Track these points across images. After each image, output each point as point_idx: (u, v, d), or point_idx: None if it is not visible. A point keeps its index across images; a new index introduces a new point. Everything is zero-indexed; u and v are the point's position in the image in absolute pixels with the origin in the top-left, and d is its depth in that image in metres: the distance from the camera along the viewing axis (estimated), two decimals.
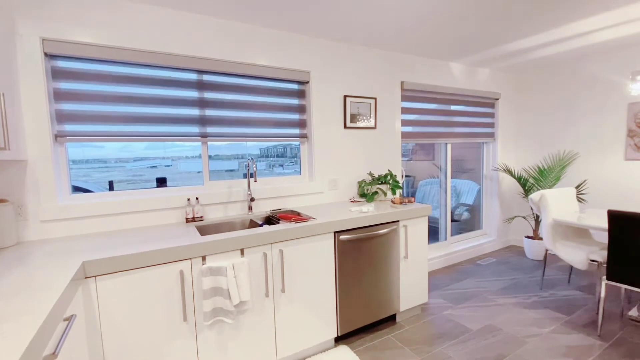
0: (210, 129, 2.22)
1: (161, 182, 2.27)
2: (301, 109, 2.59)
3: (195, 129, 2.17)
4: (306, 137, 2.63)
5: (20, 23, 1.65)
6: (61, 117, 1.81)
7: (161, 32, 1.99)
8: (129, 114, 1.97)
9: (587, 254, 2.40)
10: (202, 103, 2.18)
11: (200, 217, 2.11)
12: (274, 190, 2.44)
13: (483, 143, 4.06)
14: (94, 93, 1.87)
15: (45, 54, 1.74)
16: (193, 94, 2.15)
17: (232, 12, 2.09)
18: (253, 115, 2.37)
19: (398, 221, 2.30)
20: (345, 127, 2.75)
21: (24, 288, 1.05)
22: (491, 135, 3.96)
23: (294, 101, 2.55)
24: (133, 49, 1.91)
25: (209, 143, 2.27)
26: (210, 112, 2.21)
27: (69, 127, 1.82)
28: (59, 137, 1.81)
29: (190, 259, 1.57)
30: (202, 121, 2.19)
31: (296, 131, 2.57)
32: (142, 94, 2.00)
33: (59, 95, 1.79)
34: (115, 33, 1.86)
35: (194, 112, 2.16)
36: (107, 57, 1.85)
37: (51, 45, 1.72)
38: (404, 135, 3.17)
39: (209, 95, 2.20)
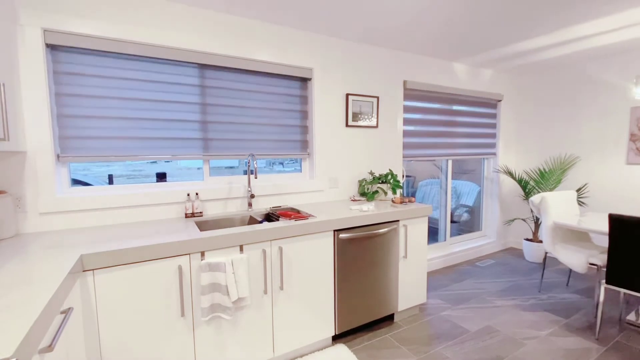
0: (210, 118, 2.21)
1: (161, 177, 2.26)
2: (303, 105, 2.58)
3: (196, 116, 2.16)
4: (307, 134, 2.62)
5: (22, 13, 1.63)
6: (62, 109, 1.79)
7: (162, 25, 1.97)
8: (128, 103, 1.95)
9: (586, 257, 2.39)
10: (202, 94, 2.16)
11: (200, 212, 2.10)
12: (274, 188, 2.43)
13: (484, 158, 4.05)
14: (96, 84, 1.85)
15: (47, 45, 1.72)
16: (194, 80, 2.13)
17: (234, 7, 2.07)
18: (254, 108, 2.36)
19: (398, 221, 2.29)
20: (346, 125, 2.74)
21: (21, 280, 1.04)
22: (492, 147, 3.96)
23: (296, 99, 2.54)
24: (135, 41, 1.89)
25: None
26: (210, 100, 2.20)
27: (69, 112, 1.81)
28: (61, 156, 1.81)
29: (189, 254, 1.57)
30: (203, 112, 2.17)
31: (297, 127, 2.56)
32: (142, 79, 1.98)
33: (60, 87, 1.78)
34: (118, 25, 1.85)
35: (194, 98, 2.14)
36: (109, 49, 1.84)
37: (53, 36, 1.71)
38: (406, 134, 3.16)
39: (210, 83, 2.18)
